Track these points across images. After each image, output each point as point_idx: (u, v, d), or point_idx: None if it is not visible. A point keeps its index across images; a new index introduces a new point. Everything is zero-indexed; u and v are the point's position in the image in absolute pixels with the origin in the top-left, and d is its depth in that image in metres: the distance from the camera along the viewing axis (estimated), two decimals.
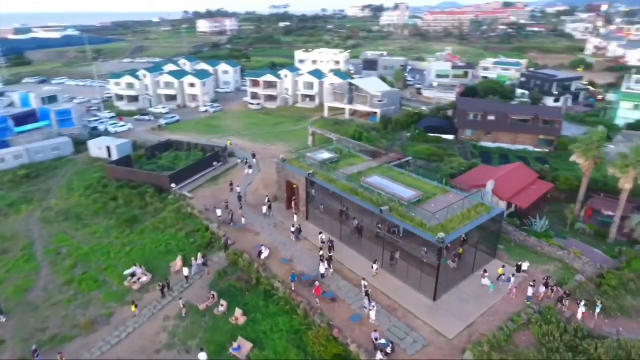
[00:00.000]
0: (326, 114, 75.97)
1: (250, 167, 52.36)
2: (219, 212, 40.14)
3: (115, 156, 55.21)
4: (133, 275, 33.35)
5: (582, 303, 28.01)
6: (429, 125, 64.67)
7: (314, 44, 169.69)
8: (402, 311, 28.40)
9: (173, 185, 46.36)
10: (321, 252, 33.55)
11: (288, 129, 71.25)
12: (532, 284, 29.44)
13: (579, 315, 27.95)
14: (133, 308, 29.22)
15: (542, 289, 29.23)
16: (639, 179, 34.64)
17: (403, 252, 31.12)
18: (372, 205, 32.38)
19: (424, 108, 73.59)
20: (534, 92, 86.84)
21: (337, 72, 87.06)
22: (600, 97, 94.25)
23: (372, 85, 73.72)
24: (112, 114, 78.38)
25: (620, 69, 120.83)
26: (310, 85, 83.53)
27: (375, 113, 71.17)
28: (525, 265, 31.73)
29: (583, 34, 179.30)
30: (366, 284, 29.66)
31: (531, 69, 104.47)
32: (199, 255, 34.29)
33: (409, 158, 45.26)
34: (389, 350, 24.32)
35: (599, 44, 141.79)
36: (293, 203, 41.65)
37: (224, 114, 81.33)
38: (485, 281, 30.24)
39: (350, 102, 74.08)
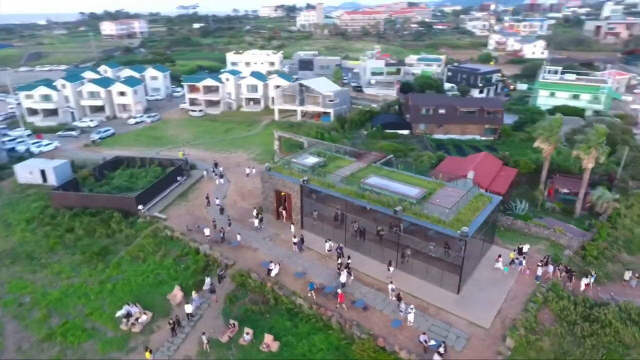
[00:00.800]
0: (277, 116, 74.05)
1: (221, 176, 49.10)
2: (207, 232, 36.72)
3: (53, 181, 47.75)
4: (128, 315, 29.03)
5: (589, 276, 30.89)
6: (384, 122, 66.40)
7: (236, 45, 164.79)
8: (432, 309, 28.60)
9: (140, 207, 41.44)
10: (339, 261, 32.46)
11: (241, 134, 68.05)
12: (539, 263, 31.70)
13: (582, 287, 30.74)
14: (147, 354, 25.34)
15: (550, 268, 31.57)
16: (599, 159, 39.16)
17: (413, 249, 31.49)
18: (383, 206, 32.17)
19: (374, 105, 75.38)
20: (462, 85, 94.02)
21: (281, 74, 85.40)
22: (512, 87, 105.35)
23: (322, 85, 73.51)
24: (28, 132, 67.74)
25: (519, 61, 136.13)
26: (254, 88, 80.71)
27: (328, 113, 71.14)
28: (525, 248, 34.00)
29: (481, 30, 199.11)
30: (394, 287, 29.33)
31: (455, 64, 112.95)
32: (207, 280, 31.08)
33: (390, 156, 45.88)
34: (441, 350, 24.30)
35: (499, 40, 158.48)
36: (284, 213, 39.83)
37: (164, 124, 74.98)
38: (499, 265, 31.77)
39: (302, 103, 73.10)
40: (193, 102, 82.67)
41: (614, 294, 31.38)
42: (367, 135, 65.35)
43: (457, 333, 26.50)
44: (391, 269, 31.55)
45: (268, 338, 26.70)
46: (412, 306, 27.09)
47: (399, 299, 28.25)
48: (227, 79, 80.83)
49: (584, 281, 30.69)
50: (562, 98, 77.08)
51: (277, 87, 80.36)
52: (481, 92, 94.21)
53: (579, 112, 73.70)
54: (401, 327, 26.89)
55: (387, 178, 36.54)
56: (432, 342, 24.94)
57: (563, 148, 53.27)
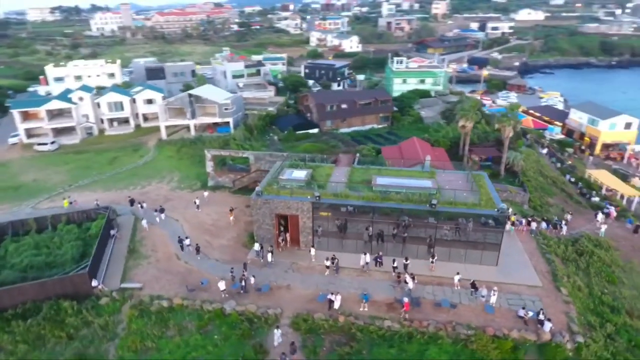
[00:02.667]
0: (164, 135, 63.33)
1: (162, 210, 39.88)
2: (222, 285, 29.49)
3: None
4: None
5: (563, 223, 38.27)
6: (294, 124, 64.87)
7: (29, 56, 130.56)
8: (489, 284, 30.56)
9: (95, 282, 30.03)
10: (397, 270, 30.97)
11: (136, 163, 55.78)
12: (529, 219, 37.60)
13: (564, 232, 38.03)
14: None
15: (543, 225, 37.75)
16: (516, 129, 48.40)
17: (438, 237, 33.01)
18: (415, 203, 32.32)
19: (270, 109, 72.26)
20: (323, 80, 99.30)
21: (150, 86, 72.68)
22: (353, 78, 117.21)
23: (213, 93, 66.16)
24: None
25: (341, 55, 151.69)
26: (118, 106, 66.68)
27: (226, 123, 64.96)
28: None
29: (295, 29, 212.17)
30: (459, 277, 30.07)
31: (310, 61, 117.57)
32: (277, 334, 25.30)
33: (357, 155, 45.61)
34: (542, 316, 26.58)
35: (319, 37, 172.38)
36: (287, 238, 35.31)
37: (5, 168, 54.73)
38: (507, 227, 36.01)
39: (193, 116, 64.45)
40: (31, 133, 62.82)
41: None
42: (281, 139, 62.84)
43: (529, 298, 29.30)
44: (433, 260, 32.16)
45: None
46: (495, 289, 28.51)
47: (474, 286, 29.26)
48: (81, 98, 64.23)
49: (564, 228, 38.12)
50: (412, 84, 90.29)
51: (149, 101, 68.74)
52: (339, 85, 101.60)
53: (426, 94, 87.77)
54: (495, 313, 27.98)
55: (388, 176, 36.64)
56: (530, 313, 27.01)
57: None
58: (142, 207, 41.60)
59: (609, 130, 62.01)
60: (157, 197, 45.46)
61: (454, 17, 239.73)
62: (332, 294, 28.62)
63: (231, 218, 39.74)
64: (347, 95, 72.16)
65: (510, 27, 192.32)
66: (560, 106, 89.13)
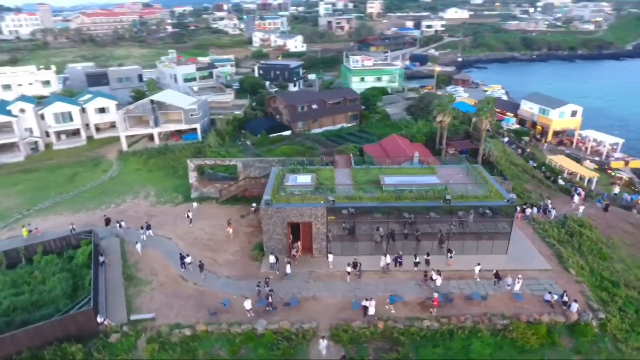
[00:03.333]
0: (125, 146, 58.16)
1: (148, 227, 36.85)
2: (248, 305, 27.43)
3: None
4: None
5: (551, 207, 40.76)
6: (267, 127, 62.74)
7: None
8: (511, 273, 31.66)
9: (100, 319, 26.50)
10: (419, 266, 30.84)
11: (100, 178, 50.58)
12: (524, 207, 39.57)
13: (553, 216, 40.50)
14: None
15: (535, 211, 39.89)
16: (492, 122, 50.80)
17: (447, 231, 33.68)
18: (430, 200, 32.55)
19: (237, 112, 69.01)
20: (280, 81, 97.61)
21: (101, 94, 66.13)
22: (306, 78, 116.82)
23: (177, 98, 61.82)
24: None
25: (288, 55, 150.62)
26: (67, 117, 60.07)
27: (193, 130, 61.23)
28: None
29: (234, 29, 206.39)
30: (480, 267, 30.74)
31: (263, 62, 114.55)
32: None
33: (350, 154, 44.93)
34: (566, 298, 27.99)
35: (263, 37, 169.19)
36: (299, 247, 33.81)
37: None
38: None
39: (157, 124, 59.84)
40: None
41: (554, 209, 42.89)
42: (254, 144, 60.54)
43: (546, 282, 30.75)
44: (451, 256, 32.64)
45: None
46: (520, 277, 29.50)
47: (497, 277, 30.07)
48: (23, 110, 56.80)
49: (553, 212, 40.62)
50: (370, 82, 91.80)
51: (102, 110, 62.83)
52: (295, 85, 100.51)
53: (384, 92, 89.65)
54: (523, 300, 28.95)
55: (393, 175, 36.59)
56: (556, 297, 28.33)
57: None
58: (120, 226, 37.76)
59: (559, 119, 67.55)
60: (138, 215, 41.56)
61: (387, 16, 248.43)
62: (366, 300, 27.82)
63: (230, 231, 37.34)
64: (316, 95, 71.38)
65: (443, 26, 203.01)
66: (505, 98, 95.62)
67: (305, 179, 35.69)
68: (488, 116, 49.60)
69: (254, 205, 41.55)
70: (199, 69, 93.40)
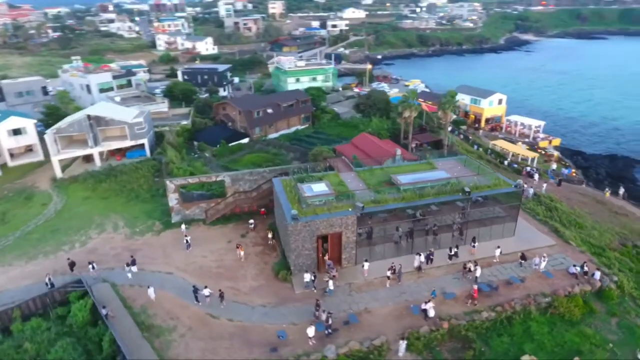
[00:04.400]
0: (59, 172, 48.96)
1: (133, 262, 31.82)
2: (310, 332, 24.95)
3: None
4: None
5: (525, 186, 44.60)
6: (225, 136, 58.05)
7: None
8: (527, 253, 33.80)
9: None
10: (466, 264, 31.13)
11: (42, 214, 41.71)
12: None
13: (530, 194, 44.40)
14: None
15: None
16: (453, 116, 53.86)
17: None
18: (451, 195, 33.26)
19: (185, 122, 62.29)
20: (209, 86, 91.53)
21: (12, 112, 54.09)
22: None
23: (117, 111, 53.58)
24: None
25: (201, 58, 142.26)
26: (22, 132, 48.80)
27: (140, 146, 54.09)
28: None
29: (129, 32, 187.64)
30: (500, 250, 32.37)
31: (187, 67, 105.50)
32: None
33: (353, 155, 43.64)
34: (586, 268, 30.87)
35: (168, 40, 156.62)
36: (326, 258, 31.91)
37: None
38: None
39: (97, 142, 51.43)
40: None
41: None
42: (215, 155, 55.78)
43: (559, 256, 33.54)
44: (474, 244, 33.82)
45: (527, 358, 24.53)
46: (545, 255, 31.67)
47: (523, 257, 31.95)
48: None
49: (530, 190, 44.62)
50: (305, 82, 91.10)
51: (16, 131, 52.20)
52: (224, 89, 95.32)
53: (320, 91, 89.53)
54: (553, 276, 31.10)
55: (404, 173, 36.59)
56: (578, 269, 31.05)
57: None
58: (93, 267, 31.72)
59: (489, 107, 74.78)
60: (115, 251, 35.33)
61: (289, 16, 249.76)
62: (425, 303, 27.38)
63: (241, 253, 33.77)
64: (268, 99, 68.18)
65: (347, 25, 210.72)
66: (428, 91, 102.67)
67: (320, 187, 33.78)
68: (452, 108, 52.63)
69: (252, 221, 38.31)
70: (115, 77, 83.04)
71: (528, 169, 54.89)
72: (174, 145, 54.12)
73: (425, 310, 27.22)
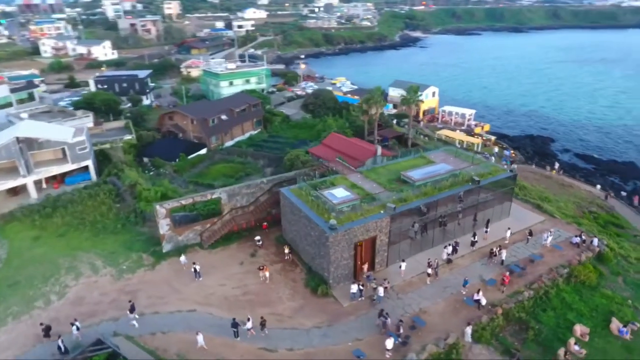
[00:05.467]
0: None
1: (132, 309, 26.92)
2: (389, 344, 23.70)
3: None
4: None
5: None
6: (182, 149, 52.19)
7: None
8: (523, 233, 36.50)
9: None
10: (492, 249, 32.32)
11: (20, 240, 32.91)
12: None
13: None
14: None
15: None
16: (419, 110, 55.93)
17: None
18: (464, 185, 34.43)
19: (128, 137, 53.98)
20: (131, 95, 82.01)
21: None
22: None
23: (52, 130, 44.40)
24: None
25: (98, 65, 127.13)
26: None
27: (84, 169, 46.17)
28: None
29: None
30: (510, 231, 34.71)
31: (100, 74, 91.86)
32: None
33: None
34: (584, 237, 34.56)
35: (55, 45, 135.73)
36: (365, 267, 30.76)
37: None
38: None
39: (30, 170, 42.32)
40: None
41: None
42: (175, 169, 50.07)
43: (554, 230, 36.84)
44: (487, 230, 35.55)
45: (578, 328, 26.50)
46: (551, 230, 34.56)
47: (531, 234, 34.59)
48: None
49: None
50: (239, 85, 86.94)
51: None
52: (147, 97, 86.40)
53: (255, 94, 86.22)
54: (561, 249, 34.04)
55: (412, 169, 36.79)
56: (578, 239, 34.50)
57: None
58: (77, 328, 25.81)
59: (426, 100, 79.50)
60: (108, 298, 29.64)
61: (186, 17, 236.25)
62: (476, 293, 27.96)
63: (267, 274, 30.79)
64: (220, 104, 62.98)
65: (253, 25, 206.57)
66: (350, 88, 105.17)
67: (341, 192, 32.29)
68: (413, 105, 54.75)
69: (258, 238, 35.24)
70: (13, 90, 69.77)
71: (484, 154, 59.75)
72: (128, 164, 47.19)
73: (478, 301, 27.84)
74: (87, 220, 38.59)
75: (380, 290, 28.25)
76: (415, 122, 78.51)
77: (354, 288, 28.40)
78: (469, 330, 25.20)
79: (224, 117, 58.79)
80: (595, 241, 34.32)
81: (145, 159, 52.58)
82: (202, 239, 35.60)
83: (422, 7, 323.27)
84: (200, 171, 50.78)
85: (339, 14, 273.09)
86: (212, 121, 57.04)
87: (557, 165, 59.58)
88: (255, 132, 65.31)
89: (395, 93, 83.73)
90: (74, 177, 46.05)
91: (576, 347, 25.18)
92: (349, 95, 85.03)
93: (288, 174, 39.34)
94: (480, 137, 70.95)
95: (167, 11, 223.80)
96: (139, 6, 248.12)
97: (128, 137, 53.94)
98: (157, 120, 59.69)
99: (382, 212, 30.34)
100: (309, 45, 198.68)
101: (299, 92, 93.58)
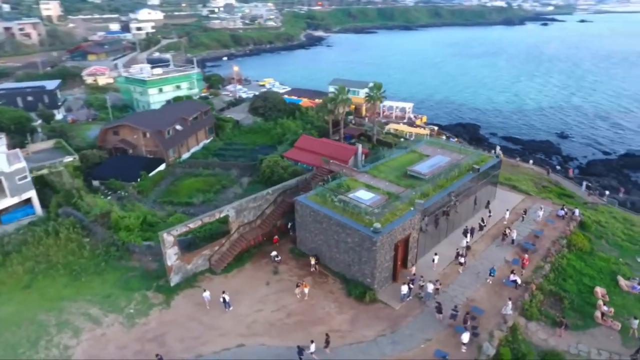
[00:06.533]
0: None
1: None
2: (465, 338, 23.75)
3: None
4: None
5: None
6: (142, 166, 45.75)
7: None
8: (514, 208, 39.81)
9: None
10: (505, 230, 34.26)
11: None
12: None
13: None
14: None
15: None
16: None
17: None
18: (467, 174, 36.07)
19: (69, 158, 45.00)
20: (42, 110, 69.93)
21: None
22: None
23: None
24: None
25: None
26: None
27: (27, 201, 38.14)
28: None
29: None
30: (508, 212, 37.44)
31: (1, 87, 75.23)
32: None
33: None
34: (566, 209, 38.70)
35: None
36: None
37: None
38: None
39: None
40: None
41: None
42: (137, 189, 44.00)
43: (538, 207, 40.62)
44: (490, 214, 37.79)
45: (599, 290, 29.54)
46: (542, 206, 37.95)
47: (525, 212, 37.77)
48: None
49: None
50: (169, 91, 79.69)
51: None
52: (58, 111, 74.65)
53: (190, 99, 79.67)
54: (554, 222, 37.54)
55: (416, 164, 37.31)
56: (562, 212, 38.47)
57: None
58: None
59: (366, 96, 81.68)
60: (132, 349, 25.01)
61: (69, 18, 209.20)
62: (512, 274, 29.55)
63: (305, 290, 28.70)
64: (171, 113, 56.07)
65: (153, 27, 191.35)
66: (282, 88, 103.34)
67: (366, 194, 31.42)
68: (376, 101, 55.77)
69: (275, 253, 32.76)
70: None
71: None
72: (70, 191, 40.00)
73: (515, 281, 29.44)
74: (58, 263, 31.91)
75: (430, 287, 28.24)
76: (360, 119, 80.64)
77: (404, 289, 27.94)
78: (509, 303, 26.46)
79: (178, 127, 53.20)
80: (577, 212, 38.70)
81: (96, 182, 45.27)
82: (212, 264, 31.90)
83: (319, 7, 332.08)
84: (167, 189, 45.37)
85: (240, 14, 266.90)
86: (168, 132, 51.22)
87: (498, 148, 65.87)
88: (209, 141, 60.49)
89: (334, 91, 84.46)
90: (12, 214, 37.75)
91: (605, 308, 28.05)
92: (293, 96, 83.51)
93: (290, 181, 37.12)
94: (424, 128, 75.30)
95: (45, 12, 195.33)
96: (6, 7, 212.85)
97: (69, 158, 45.73)
98: (98, 137, 51.51)
99: (412, 209, 30.32)
100: (217, 46, 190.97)
101: (244, 96, 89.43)
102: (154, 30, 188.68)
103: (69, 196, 39.52)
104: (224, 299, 27.59)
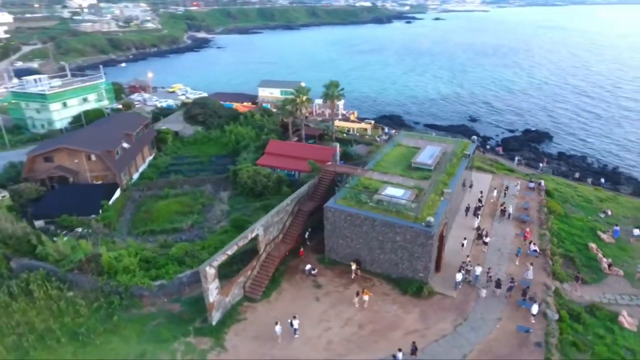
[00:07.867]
0: None
1: None
2: (535, 309, 25.39)
3: None
4: None
5: None
6: (102, 194, 37.95)
7: None
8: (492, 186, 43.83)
9: None
10: (503, 208, 36.94)
11: None
12: None
13: None
14: None
15: None
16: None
17: None
18: (463, 159, 38.47)
19: (3, 195, 34.20)
20: None
21: None
22: None
23: None
24: None
25: None
26: None
27: None
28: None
29: None
30: (496, 192, 41.20)
31: None
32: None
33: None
34: (534, 182, 44.00)
35: None
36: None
37: None
38: None
39: None
40: None
41: None
42: (108, 224, 36.82)
43: (512, 184, 45.30)
44: (483, 195, 40.90)
45: (593, 246, 34.35)
46: (517, 182, 42.37)
47: (507, 188, 41.76)
48: None
49: None
50: (74, 105, 67.97)
51: None
52: None
53: (101, 113, 69.10)
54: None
55: (417, 155, 38.27)
56: (532, 184, 43.56)
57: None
58: None
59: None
60: None
61: None
62: (532, 244, 32.60)
63: (365, 298, 27.52)
64: (113, 129, 46.86)
65: (6, 32, 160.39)
66: (197, 94, 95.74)
67: (395, 191, 31.24)
68: (331, 105, 55.79)
69: (309, 266, 30.78)
70: None
71: (384, 137, 66.07)
72: (35, 234, 31.90)
73: (535, 250, 32.57)
74: (51, 330, 25.00)
75: (478, 270, 29.50)
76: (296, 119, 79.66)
77: (459, 277, 28.72)
78: (530, 268, 29.66)
79: (125, 145, 45.64)
80: (543, 183, 44.31)
81: (39, 222, 36.48)
82: (246, 291, 28.51)
83: (195, 7, 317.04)
84: (136, 218, 38.82)
85: (109, 15, 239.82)
86: (117, 153, 43.56)
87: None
88: (152, 157, 53.31)
89: (265, 93, 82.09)
90: None
91: (605, 259, 32.81)
92: (221, 101, 78.21)
93: (300, 189, 34.93)
94: (365, 123, 77.78)
95: None
96: None
97: (3, 195, 35.86)
98: (25, 167, 41.03)
99: (442, 199, 31.26)
100: (93, 52, 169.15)
101: (164, 105, 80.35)
102: (8, 36, 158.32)
103: (20, 244, 31.18)
104: (291, 322, 24.91)
